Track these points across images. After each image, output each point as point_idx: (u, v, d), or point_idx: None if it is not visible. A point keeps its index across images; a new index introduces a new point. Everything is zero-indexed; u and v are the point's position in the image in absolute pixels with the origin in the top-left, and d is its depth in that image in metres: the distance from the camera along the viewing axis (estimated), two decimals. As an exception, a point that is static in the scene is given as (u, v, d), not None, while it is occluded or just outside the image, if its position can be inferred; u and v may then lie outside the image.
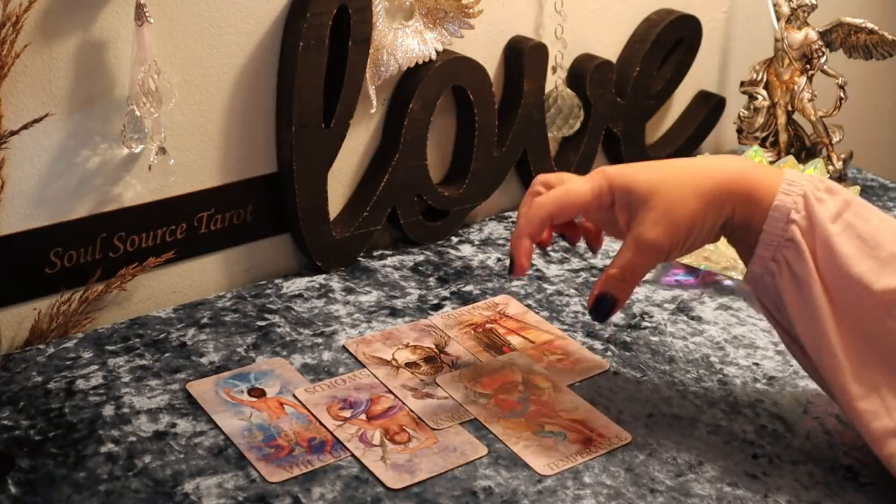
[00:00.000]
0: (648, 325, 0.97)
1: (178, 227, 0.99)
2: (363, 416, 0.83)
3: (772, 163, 1.14)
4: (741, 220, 0.78)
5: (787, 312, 0.78)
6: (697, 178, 0.78)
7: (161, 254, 0.98)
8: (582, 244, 0.91)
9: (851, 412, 0.75)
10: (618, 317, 0.98)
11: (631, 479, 0.78)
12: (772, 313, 0.81)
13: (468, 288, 1.03)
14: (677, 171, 0.79)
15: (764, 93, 1.22)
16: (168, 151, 0.94)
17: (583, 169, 1.20)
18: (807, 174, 0.80)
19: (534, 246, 0.83)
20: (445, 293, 1.02)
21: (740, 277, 1.02)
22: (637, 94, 1.22)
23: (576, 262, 1.07)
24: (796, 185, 0.77)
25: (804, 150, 1.25)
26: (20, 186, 0.91)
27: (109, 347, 0.92)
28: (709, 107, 1.30)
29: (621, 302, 0.81)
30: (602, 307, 0.81)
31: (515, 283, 1.03)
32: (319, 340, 0.94)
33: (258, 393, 0.86)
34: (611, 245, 1.10)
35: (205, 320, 0.96)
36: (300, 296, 1.01)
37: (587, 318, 0.98)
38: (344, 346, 0.93)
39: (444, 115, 1.11)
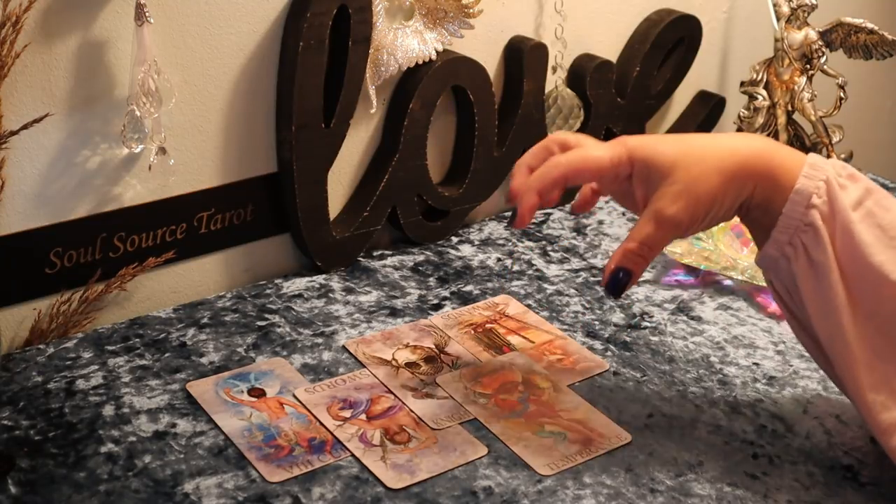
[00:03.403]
0: (648, 325, 0.97)
1: (178, 227, 0.99)
2: (363, 416, 0.83)
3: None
4: (760, 200, 0.77)
5: (800, 298, 0.77)
6: (721, 154, 0.76)
7: (161, 254, 0.98)
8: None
9: (861, 402, 0.75)
10: (618, 316, 0.98)
11: (631, 479, 0.78)
12: (783, 298, 0.80)
13: (468, 288, 1.03)
14: (700, 146, 0.78)
15: (764, 93, 1.22)
16: (168, 151, 0.94)
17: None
18: (829, 160, 0.79)
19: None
20: (445, 293, 1.02)
21: (741, 277, 1.02)
22: (637, 94, 1.22)
23: (576, 263, 1.07)
24: (819, 169, 0.76)
25: (804, 150, 1.24)
26: (20, 186, 0.91)
27: (109, 347, 0.92)
28: (709, 107, 1.30)
29: (636, 277, 0.79)
30: (618, 282, 0.79)
31: (515, 283, 1.03)
32: (319, 340, 0.94)
33: (258, 393, 0.86)
34: (610, 245, 1.10)
35: (205, 320, 0.96)
36: (300, 296, 1.01)
37: (587, 318, 0.98)
38: (344, 346, 0.93)
39: (444, 115, 1.11)
